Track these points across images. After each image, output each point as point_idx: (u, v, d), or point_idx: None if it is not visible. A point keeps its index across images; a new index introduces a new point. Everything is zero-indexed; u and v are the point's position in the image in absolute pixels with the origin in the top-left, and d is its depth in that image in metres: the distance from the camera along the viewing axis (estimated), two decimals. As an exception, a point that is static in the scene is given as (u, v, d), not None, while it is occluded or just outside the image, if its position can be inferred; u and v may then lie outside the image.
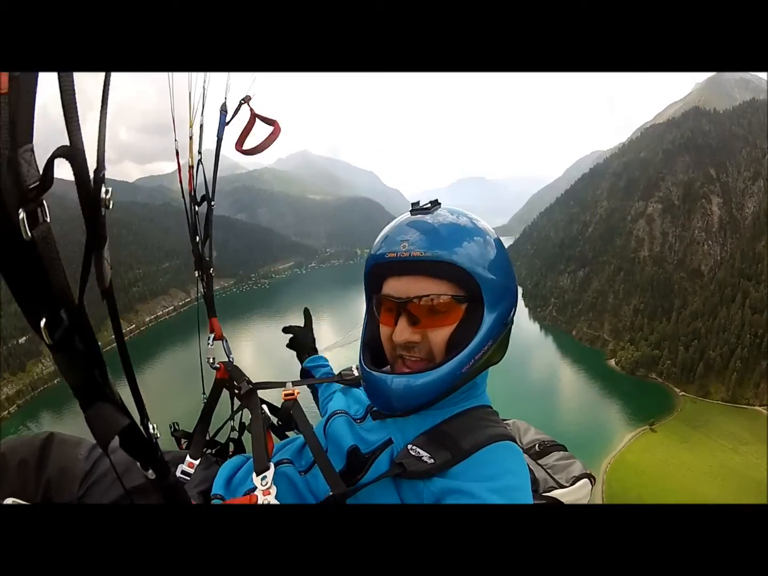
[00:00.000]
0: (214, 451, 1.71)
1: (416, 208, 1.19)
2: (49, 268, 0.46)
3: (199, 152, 1.64)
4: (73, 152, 0.47)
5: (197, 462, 1.47)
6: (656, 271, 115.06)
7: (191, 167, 1.63)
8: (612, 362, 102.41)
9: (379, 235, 1.21)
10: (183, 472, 1.45)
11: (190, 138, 1.62)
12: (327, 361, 1.99)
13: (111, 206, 0.51)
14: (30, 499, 0.95)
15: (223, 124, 1.64)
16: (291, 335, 2.10)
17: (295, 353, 2.11)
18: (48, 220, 0.47)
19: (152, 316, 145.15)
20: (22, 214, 0.43)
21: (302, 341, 2.08)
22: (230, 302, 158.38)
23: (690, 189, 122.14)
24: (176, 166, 1.61)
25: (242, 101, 1.63)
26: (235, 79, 1.56)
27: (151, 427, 0.69)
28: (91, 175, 0.50)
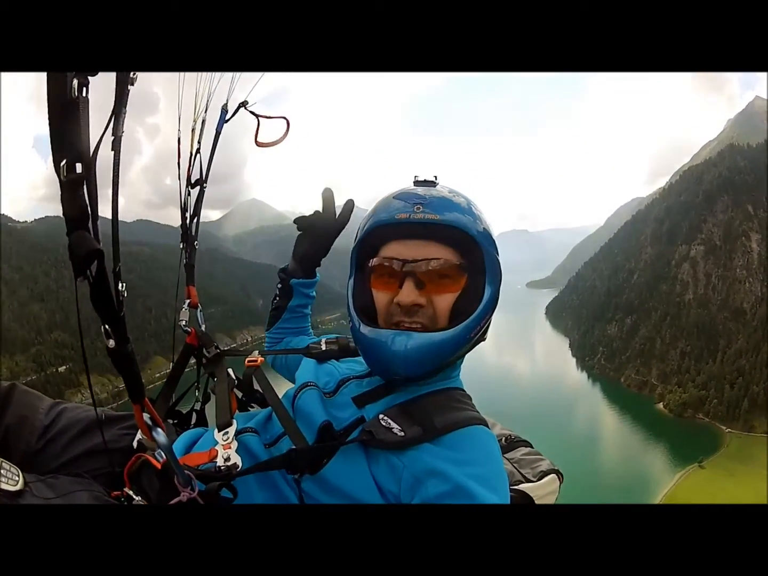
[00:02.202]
0: (176, 421, 1.63)
1: (419, 181, 1.19)
2: (81, 126, 0.60)
3: (199, 142, 1.75)
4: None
5: None
6: (701, 314, 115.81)
7: (191, 154, 1.74)
8: (660, 406, 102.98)
9: (373, 206, 1.20)
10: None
11: (192, 130, 1.75)
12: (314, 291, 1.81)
13: (135, 84, 0.69)
14: None
15: (222, 120, 1.77)
16: (306, 229, 1.66)
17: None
18: (89, 98, 0.60)
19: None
20: (75, 81, 0.58)
21: (316, 246, 1.67)
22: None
23: (730, 228, 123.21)
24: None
25: (240, 105, 1.75)
26: (238, 85, 1.71)
27: (121, 285, 0.72)
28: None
